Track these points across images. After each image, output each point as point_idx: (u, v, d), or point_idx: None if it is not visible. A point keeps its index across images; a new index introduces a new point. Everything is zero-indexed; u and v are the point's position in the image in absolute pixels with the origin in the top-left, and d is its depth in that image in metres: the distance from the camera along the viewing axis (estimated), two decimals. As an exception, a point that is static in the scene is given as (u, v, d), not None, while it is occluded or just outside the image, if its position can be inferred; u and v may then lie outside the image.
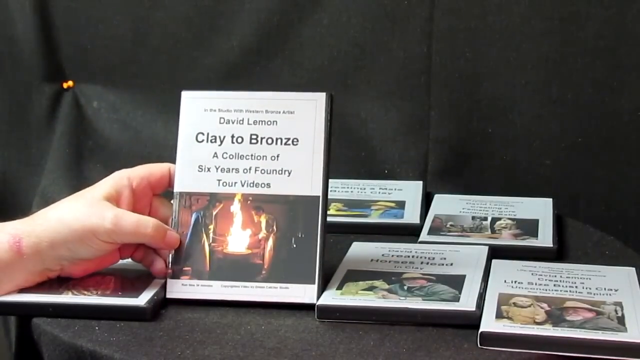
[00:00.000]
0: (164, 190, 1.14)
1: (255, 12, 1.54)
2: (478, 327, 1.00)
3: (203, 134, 1.14)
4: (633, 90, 1.46)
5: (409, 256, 1.19)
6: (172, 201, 1.12)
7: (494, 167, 1.52)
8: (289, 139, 1.12)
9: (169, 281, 1.10)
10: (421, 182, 1.50)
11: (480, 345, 0.99)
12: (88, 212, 1.06)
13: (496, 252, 1.21)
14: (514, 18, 1.46)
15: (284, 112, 1.13)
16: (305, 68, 1.55)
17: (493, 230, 1.31)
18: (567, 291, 1.09)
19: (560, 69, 1.47)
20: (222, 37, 1.57)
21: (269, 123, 1.12)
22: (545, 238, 1.27)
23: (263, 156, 1.12)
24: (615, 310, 1.04)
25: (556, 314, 1.03)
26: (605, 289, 1.10)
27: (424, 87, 1.52)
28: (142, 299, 1.07)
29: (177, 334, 1.03)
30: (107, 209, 1.06)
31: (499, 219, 1.34)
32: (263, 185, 1.12)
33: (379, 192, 1.46)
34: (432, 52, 1.50)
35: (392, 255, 1.19)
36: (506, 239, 1.28)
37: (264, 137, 1.12)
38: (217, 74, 1.58)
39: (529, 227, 1.31)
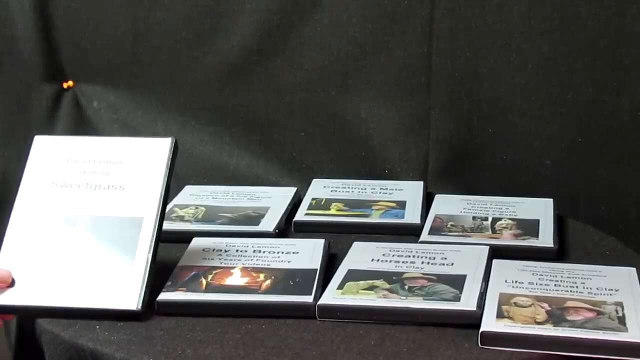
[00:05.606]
0: None
1: (255, 12, 1.54)
2: (479, 326, 1.01)
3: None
4: (633, 90, 1.45)
5: (409, 256, 1.19)
6: None
7: (494, 167, 1.52)
8: None
9: (162, 293, 1.10)
10: (422, 182, 1.50)
11: (481, 344, 0.99)
12: None
13: (497, 252, 1.21)
14: (514, 18, 1.46)
15: None
16: (305, 68, 1.55)
17: (494, 231, 1.31)
18: (567, 291, 1.09)
19: (560, 69, 1.47)
20: (222, 37, 1.56)
21: None
22: (545, 238, 1.27)
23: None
24: (616, 310, 1.04)
25: (557, 313, 1.03)
26: (605, 289, 1.10)
27: (424, 87, 1.52)
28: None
29: (177, 333, 1.03)
30: None
31: (500, 219, 1.34)
32: (265, 265, 1.17)
33: (380, 192, 1.46)
34: (432, 52, 1.50)
35: (393, 255, 1.19)
36: (507, 239, 1.28)
37: None
38: (217, 74, 1.58)
39: (530, 227, 1.31)
